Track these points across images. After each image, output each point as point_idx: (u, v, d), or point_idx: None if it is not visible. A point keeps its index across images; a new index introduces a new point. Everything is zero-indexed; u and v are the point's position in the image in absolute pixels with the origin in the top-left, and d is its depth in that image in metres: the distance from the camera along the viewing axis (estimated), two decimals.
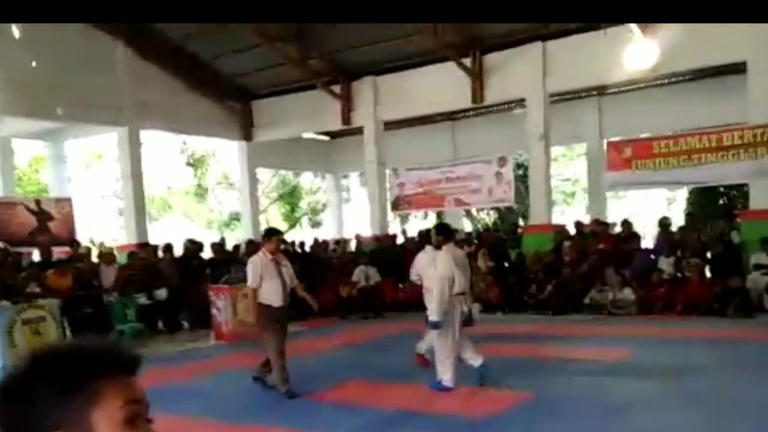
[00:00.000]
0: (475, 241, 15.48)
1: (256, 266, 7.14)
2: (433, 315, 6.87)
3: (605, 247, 13.56)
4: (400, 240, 16.70)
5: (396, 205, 16.81)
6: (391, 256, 14.58)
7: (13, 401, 1.00)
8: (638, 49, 12.83)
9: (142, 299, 12.38)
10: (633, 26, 12.53)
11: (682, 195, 21.05)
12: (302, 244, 16.25)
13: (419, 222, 25.54)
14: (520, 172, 19.09)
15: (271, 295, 7.11)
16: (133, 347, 1.10)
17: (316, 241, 17.22)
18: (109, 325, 11.41)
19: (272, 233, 7.59)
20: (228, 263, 13.12)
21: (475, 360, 7.07)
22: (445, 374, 6.91)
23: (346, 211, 24.34)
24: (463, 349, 7.08)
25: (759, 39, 11.86)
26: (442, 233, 7.27)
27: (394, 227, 19.93)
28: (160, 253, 13.91)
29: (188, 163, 28.35)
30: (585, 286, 12.80)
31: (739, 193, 18.61)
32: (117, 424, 1.01)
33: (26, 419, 0.99)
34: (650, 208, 24.17)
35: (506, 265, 14.52)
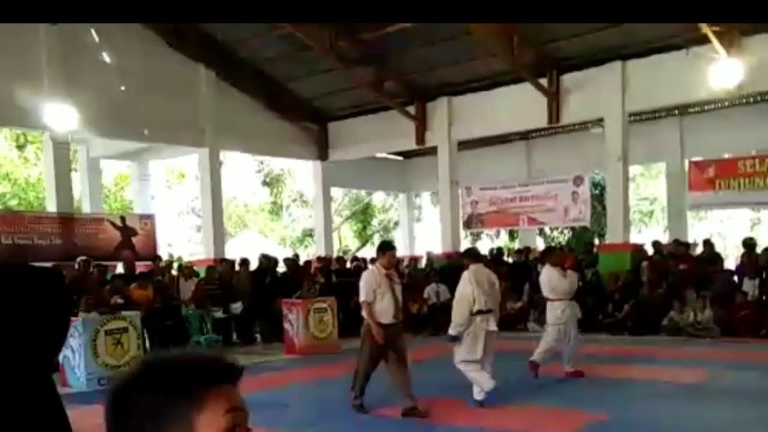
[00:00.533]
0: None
1: (369, 281, 6.95)
2: (450, 330, 7.27)
3: (686, 268, 13.14)
4: None
5: (469, 224, 16.76)
6: (461, 273, 14.49)
7: (121, 408, 1.05)
8: (722, 69, 12.44)
9: (218, 312, 12.72)
10: (717, 45, 12.17)
11: (767, 216, 20.19)
12: (373, 261, 16.36)
13: (491, 241, 25.34)
14: (597, 191, 18.71)
15: (383, 311, 6.89)
16: (234, 358, 1.13)
17: None
18: (187, 336, 11.76)
19: (387, 247, 7.34)
20: (301, 278, 13.34)
21: (486, 382, 7.10)
22: (477, 388, 7.16)
23: (417, 230, 24.37)
24: (483, 366, 7.20)
25: None
26: (468, 256, 7.81)
27: (465, 245, 19.84)
28: (237, 268, 14.27)
29: (264, 182, 29.02)
30: (664, 307, 12.42)
31: None
32: (219, 431, 1.04)
33: (133, 426, 1.03)
34: (733, 229, 23.25)
35: (581, 284, 14.22)
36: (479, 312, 7.10)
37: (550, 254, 9.53)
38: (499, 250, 17.15)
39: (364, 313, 6.97)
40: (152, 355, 1.11)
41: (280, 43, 15.12)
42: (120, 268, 14.15)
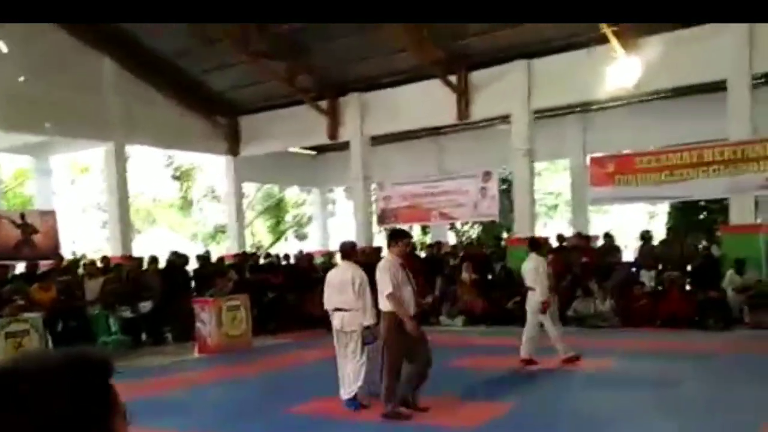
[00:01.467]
0: (461, 254, 15.63)
1: (389, 270, 6.49)
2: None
3: (587, 261, 13.72)
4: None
5: (382, 219, 16.91)
6: (375, 269, 14.62)
7: (12, 405, 0.96)
8: (621, 67, 13.05)
9: (126, 312, 12.37)
10: (615, 45, 12.74)
11: (663, 209, 21.28)
12: (287, 257, 16.28)
13: None
14: (504, 186, 19.23)
15: (405, 303, 6.51)
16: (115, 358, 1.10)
17: (301, 253, 17.25)
18: (92, 337, 11.40)
19: (401, 235, 7.05)
20: (213, 276, 13.13)
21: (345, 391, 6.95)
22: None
23: (331, 225, 24.39)
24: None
25: (737, 59, 12.13)
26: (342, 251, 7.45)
27: (379, 240, 20.01)
28: (145, 266, 13.91)
29: (174, 176, 28.33)
30: (568, 298, 12.92)
31: (719, 207, 18.87)
32: (124, 424, 1.04)
33: (34, 427, 0.95)
34: (632, 222, 24.40)
35: (490, 277, 14.64)
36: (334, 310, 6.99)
37: (538, 244, 9.51)
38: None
39: (389, 306, 6.44)
40: (34, 353, 1.09)
41: (189, 35, 14.80)
42: (21, 268, 13.55)
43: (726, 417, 6.16)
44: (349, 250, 7.36)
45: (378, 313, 6.72)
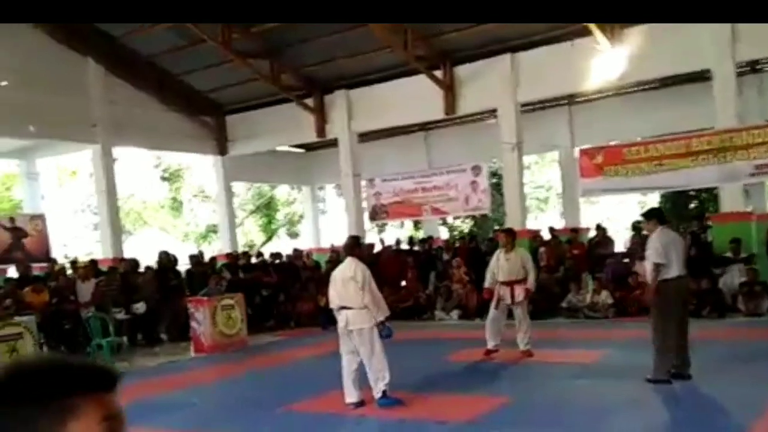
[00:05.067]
0: (457, 246, 15.68)
1: (662, 240, 6.86)
2: None
3: (579, 253, 13.77)
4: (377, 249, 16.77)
5: (374, 215, 16.91)
6: (368, 265, 14.63)
7: None
8: (605, 60, 13.09)
9: (120, 314, 12.33)
10: (599, 37, 12.78)
11: (654, 199, 21.39)
12: (279, 255, 16.25)
13: (396, 231, 25.66)
14: (495, 180, 19.28)
15: (675, 268, 6.84)
16: (112, 363, 1.12)
17: (294, 251, 17.25)
18: (87, 340, 11.35)
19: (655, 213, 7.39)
20: (206, 276, 13.11)
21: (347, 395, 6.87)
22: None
23: (322, 222, 24.38)
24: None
25: (721, 48, 12.18)
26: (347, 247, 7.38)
27: (371, 237, 20.03)
28: (141, 269, 13.88)
29: (163, 178, 28.22)
30: (562, 290, 12.99)
31: (709, 196, 18.98)
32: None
33: None
34: (623, 213, 24.51)
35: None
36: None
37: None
38: (397, 240, 17.36)
39: (653, 276, 6.83)
40: (18, 362, 1.03)
41: (172, 36, 14.78)
42: (13, 272, 13.49)
43: (719, 404, 6.21)
44: (352, 246, 7.21)
45: (391, 307, 6.84)
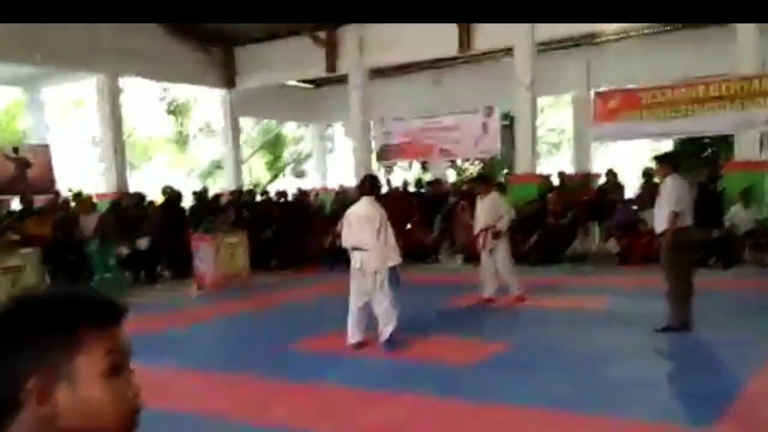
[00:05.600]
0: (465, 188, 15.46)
1: (683, 187, 6.81)
2: None
3: (589, 199, 13.57)
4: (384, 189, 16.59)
5: (382, 155, 16.66)
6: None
7: None
8: None
9: (123, 248, 12.25)
10: None
11: (667, 146, 21.01)
12: (284, 194, 16.09)
13: (404, 172, 25.44)
14: (507, 122, 18.92)
15: (688, 217, 6.79)
16: (118, 296, 1.09)
17: (300, 190, 17.08)
18: (90, 273, 11.32)
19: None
20: (209, 212, 12.99)
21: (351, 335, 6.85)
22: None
23: (330, 161, 24.15)
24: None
25: None
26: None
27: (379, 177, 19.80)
28: (146, 203, 13.76)
29: (169, 111, 27.88)
30: (568, 237, 12.83)
31: (723, 144, 18.61)
32: (99, 372, 1.00)
33: (3, 362, 0.97)
34: (635, 159, 24.17)
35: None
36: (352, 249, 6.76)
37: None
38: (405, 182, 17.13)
39: (671, 225, 6.67)
40: (29, 292, 1.04)
41: None
42: (16, 203, 13.39)
43: (719, 355, 6.12)
44: (368, 186, 6.98)
45: (402, 251, 6.69)
